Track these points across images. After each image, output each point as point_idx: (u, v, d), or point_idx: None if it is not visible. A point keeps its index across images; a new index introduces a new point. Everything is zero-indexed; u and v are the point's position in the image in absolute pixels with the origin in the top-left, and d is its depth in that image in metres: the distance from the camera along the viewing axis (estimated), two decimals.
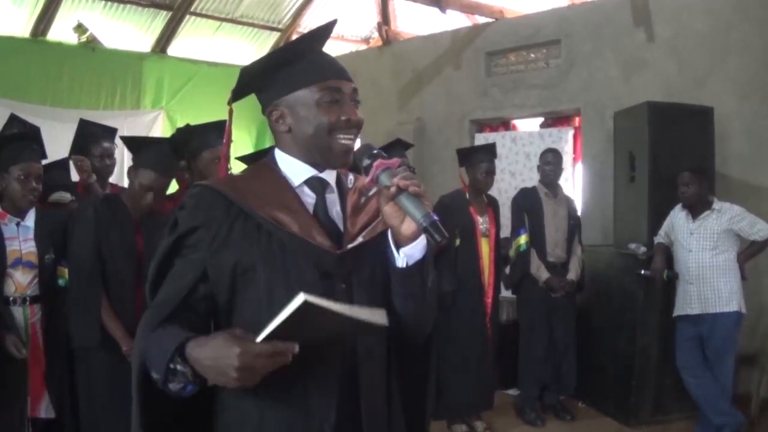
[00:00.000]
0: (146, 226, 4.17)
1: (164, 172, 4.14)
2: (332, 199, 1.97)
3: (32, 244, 4.16)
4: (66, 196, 4.90)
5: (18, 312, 4.07)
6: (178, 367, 1.61)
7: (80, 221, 4.15)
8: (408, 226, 1.76)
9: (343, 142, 1.88)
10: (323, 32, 2.01)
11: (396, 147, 5.80)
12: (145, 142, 4.45)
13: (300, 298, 1.48)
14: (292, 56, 1.94)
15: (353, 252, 1.90)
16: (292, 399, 1.80)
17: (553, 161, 6.48)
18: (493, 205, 6.18)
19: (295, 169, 1.94)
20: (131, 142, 4.41)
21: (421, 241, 1.80)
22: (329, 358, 1.81)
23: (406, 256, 1.82)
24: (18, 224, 4.15)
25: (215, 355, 1.57)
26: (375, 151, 1.82)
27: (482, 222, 6.00)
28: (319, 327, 1.60)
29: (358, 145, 1.92)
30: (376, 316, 1.65)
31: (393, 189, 1.72)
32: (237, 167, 2.79)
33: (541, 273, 6.27)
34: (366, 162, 1.80)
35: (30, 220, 4.21)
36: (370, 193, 1.95)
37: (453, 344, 5.71)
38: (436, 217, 1.69)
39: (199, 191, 1.92)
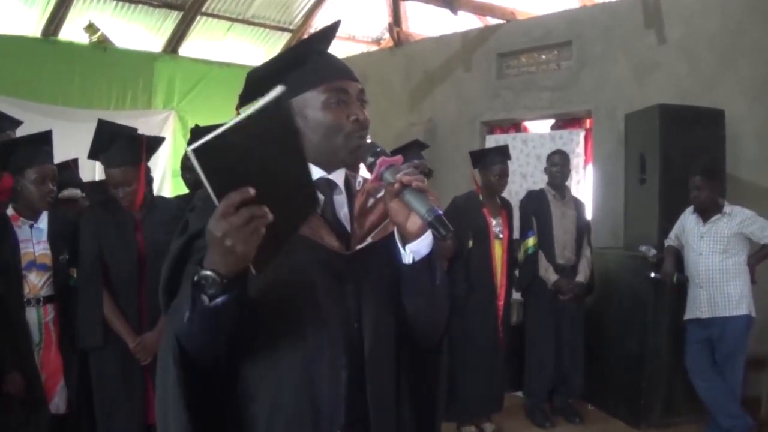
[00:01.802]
0: (147, 225, 4.21)
1: (116, 164, 4.15)
2: (340, 200, 1.97)
3: (45, 246, 4.18)
4: (76, 192, 4.90)
5: (32, 313, 4.10)
6: (202, 272, 1.55)
7: (83, 228, 4.19)
8: (413, 222, 1.76)
9: (352, 142, 1.88)
10: (327, 33, 2.03)
11: (413, 148, 5.80)
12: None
13: (189, 151, 1.42)
14: (298, 59, 1.95)
15: (362, 253, 1.91)
16: (301, 401, 1.80)
17: (560, 163, 6.47)
18: (506, 208, 6.17)
19: None
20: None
21: (427, 237, 1.81)
22: (337, 360, 1.82)
23: (412, 252, 1.82)
24: (31, 226, 4.17)
25: (210, 244, 1.52)
26: (378, 149, 1.83)
27: (495, 224, 5.99)
28: (248, 158, 1.49)
29: None
30: (271, 93, 1.53)
31: (396, 185, 1.73)
32: None
33: (550, 275, 6.26)
34: (370, 160, 1.81)
35: (43, 222, 4.23)
36: (379, 194, 1.95)
37: (464, 346, 5.71)
38: (440, 211, 1.69)
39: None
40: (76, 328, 4.13)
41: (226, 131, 1.44)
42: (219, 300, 1.57)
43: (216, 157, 1.43)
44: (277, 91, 1.54)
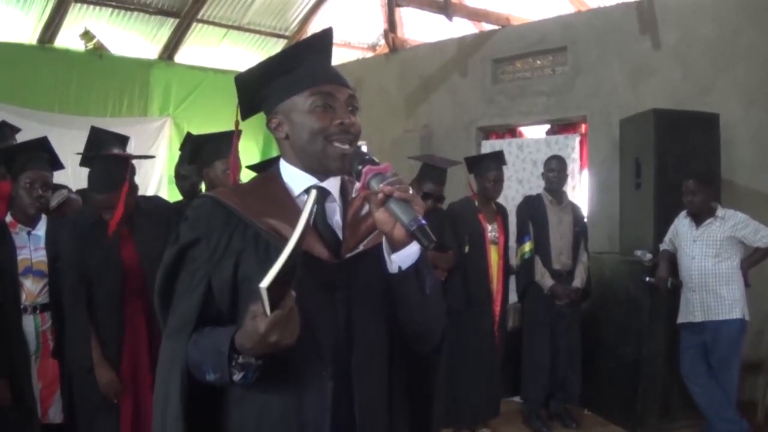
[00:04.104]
0: (138, 235, 4.17)
1: (102, 189, 4.10)
2: (333, 208, 1.96)
3: (43, 253, 4.18)
4: (63, 192, 4.89)
5: (29, 320, 4.09)
6: (240, 359, 1.67)
7: (67, 239, 4.09)
8: (399, 232, 1.76)
9: (337, 146, 1.87)
10: (317, 39, 2.02)
11: (429, 172, 5.85)
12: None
13: (263, 290, 1.52)
14: (287, 64, 1.95)
15: (352, 261, 1.90)
16: (286, 411, 1.80)
17: (558, 168, 6.46)
18: (502, 213, 6.19)
19: (296, 178, 1.94)
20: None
21: (413, 246, 1.80)
22: (323, 369, 1.82)
23: (398, 260, 1.82)
24: (29, 233, 4.17)
25: (253, 344, 1.61)
26: (366, 157, 1.82)
27: (491, 230, 6.01)
28: (290, 265, 1.58)
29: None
30: (308, 203, 1.65)
31: (380, 195, 1.73)
32: (247, 176, 2.79)
33: (546, 280, 6.26)
34: (357, 168, 1.81)
35: (41, 229, 4.24)
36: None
37: (461, 352, 5.70)
38: (423, 222, 1.69)
39: (201, 203, 1.95)
40: (65, 349, 4.07)
41: (287, 260, 1.54)
42: (251, 376, 1.71)
43: (275, 281, 1.52)
44: (313, 198, 1.64)
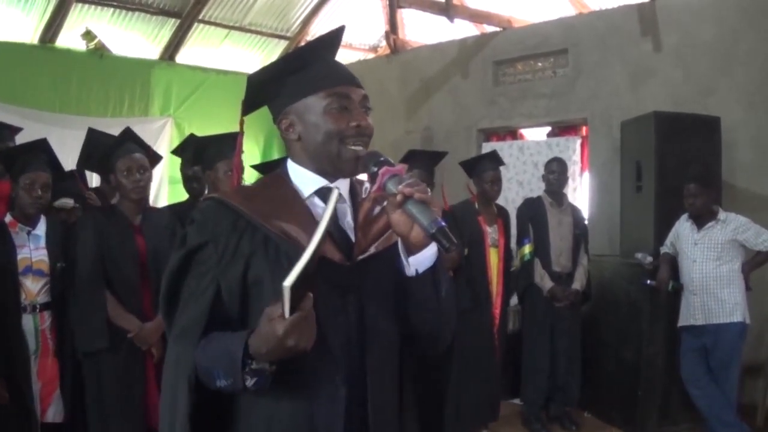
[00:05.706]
0: (146, 227, 4.23)
1: (133, 151, 4.26)
2: (344, 209, 1.93)
3: (43, 252, 4.21)
4: (69, 202, 4.92)
5: (28, 319, 4.09)
6: (254, 365, 1.62)
7: (81, 232, 4.19)
8: (417, 234, 1.73)
9: (352, 149, 1.84)
10: (331, 38, 1.99)
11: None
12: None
13: (286, 288, 1.49)
14: (300, 63, 1.92)
15: (364, 263, 1.88)
16: (297, 417, 1.77)
17: (558, 170, 6.47)
18: (503, 216, 6.19)
19: (305, 180, 1.91)
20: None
21: (431, 249, 1.78)
22: (336, 374, 1.79)
23: (415, 264, 1.80)
24: (29, 233, 4.19)
25: (270, 347, 1.57)
26: (382, 159, 1.79)
27: (491, 232, 6.00)
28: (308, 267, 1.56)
29: None
30: (331, 200, 1.62)
31: (399, 197, 1.70)
32: (252, 176, 2.78)
33: (545, 282, 6.26)
34: (372, 170, 1.78)
35: (41, 229, 4.26)
36: (384, 203, 1.86)
37: (460, 354, 5.68)
38: (443, 223, 1.67)
39: (208, 205, 1.92)
40: (76, 333, 4.10)
41: (311, 258, 1.52)
42: (263, 382, 1.66)
43: (298, 280, 1.50)
44: (335, 197, 1.61)
